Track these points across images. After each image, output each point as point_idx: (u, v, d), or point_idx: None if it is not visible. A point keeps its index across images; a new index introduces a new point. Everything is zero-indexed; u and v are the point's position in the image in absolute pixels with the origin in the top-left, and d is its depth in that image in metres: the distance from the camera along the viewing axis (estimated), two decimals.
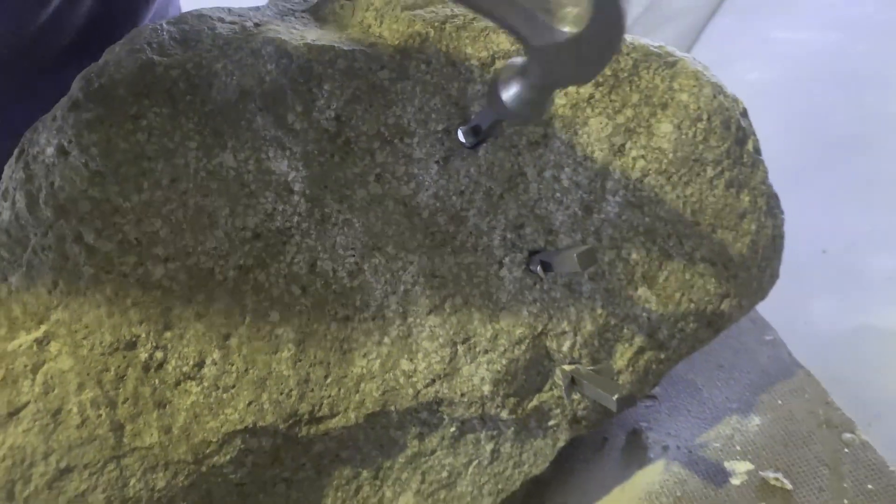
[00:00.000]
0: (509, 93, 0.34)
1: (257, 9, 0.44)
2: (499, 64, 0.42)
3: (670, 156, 0.45)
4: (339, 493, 0.44)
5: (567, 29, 0.29)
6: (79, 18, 0.51)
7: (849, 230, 1.40)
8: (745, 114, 0.48)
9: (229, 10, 0.43)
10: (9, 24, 0.46)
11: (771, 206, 0.50)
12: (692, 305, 0.47)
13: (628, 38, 0.45)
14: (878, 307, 1.28)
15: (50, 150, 0.36)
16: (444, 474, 0.46)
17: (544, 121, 0.43)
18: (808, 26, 2.14)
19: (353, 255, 0.41)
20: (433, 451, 0.46)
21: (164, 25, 0.40)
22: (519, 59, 0.34)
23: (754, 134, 0.49)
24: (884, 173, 1.59)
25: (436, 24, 0.42)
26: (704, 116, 0.46)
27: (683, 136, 0.45)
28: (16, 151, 0.37)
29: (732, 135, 0.47)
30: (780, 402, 0.56)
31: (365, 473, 0.45)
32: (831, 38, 2.05)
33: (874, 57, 1.99)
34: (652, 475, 0.53)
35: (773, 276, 0.52)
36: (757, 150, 0.49)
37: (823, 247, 1.24)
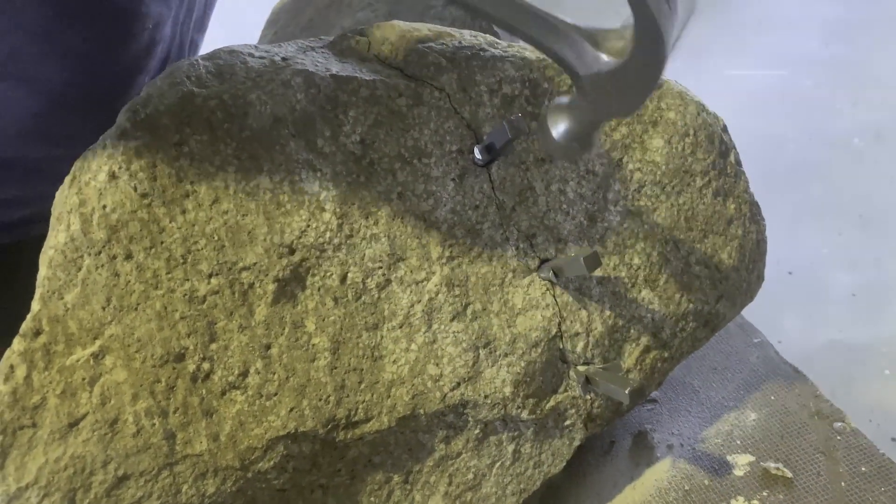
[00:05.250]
0: (559, 130, 0.35)
1: (280, 45, 0.47)
2: (506, 88, 0.46)
3: (663, 168, 0.49)
4: (373, 499, 0.46)
5: (612, 59, 0.31)
6: (155, 64, 0.54)
7: (811, 251, 1.47)
8: (725, 129, 0.53)
9: (256, 46, 0.46)
10: (93, 65, 0.49)
11: (754, 213, 0.54)
12: (691, 306, 0.51)
13: None
14: (843, 323, 1.34)
15: (101, 176, 0.39)
16: (470, 476, 0.48)
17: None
18: (758, 65, 2.26)
19: (381, 267, 0.44)
20: (459, 454, 0.48)
21: (200, 60, 0.43)
22: (564, 98, 0.35)
23: (735, 147, 0.53)
24: (837, 196, 1.68)
25: (447, 54, 0.46)
26: (691, 132, 0.50)
27: (674, 150, 0.50)
28: (67, 179, 0.40)
29: (716, 148, 0.51)
30: (772, 397, 0.60)
31: (396, 478, 0.47)
32: (780, 75, 2.17)
33: (820, 89, 2.11)
34: (660, 472, 0.56)
35: (760, 279, 0.56)
36: (738, 162, 0.53)
37: (789, 269, 1.30)
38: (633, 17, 0.28)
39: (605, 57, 0.32)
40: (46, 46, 0.46)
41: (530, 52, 0.48)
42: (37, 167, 0.52)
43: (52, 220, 0.40)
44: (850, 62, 2.21)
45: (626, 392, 0.44)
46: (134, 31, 0.51)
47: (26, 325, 0.37)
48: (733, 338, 0.66)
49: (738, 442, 0.56)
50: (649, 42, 0.29)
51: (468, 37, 0.48)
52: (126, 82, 0.53)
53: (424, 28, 0.47)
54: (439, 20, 0.98)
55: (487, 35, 0.49)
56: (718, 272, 0.52)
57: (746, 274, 0.54)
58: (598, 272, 0.47)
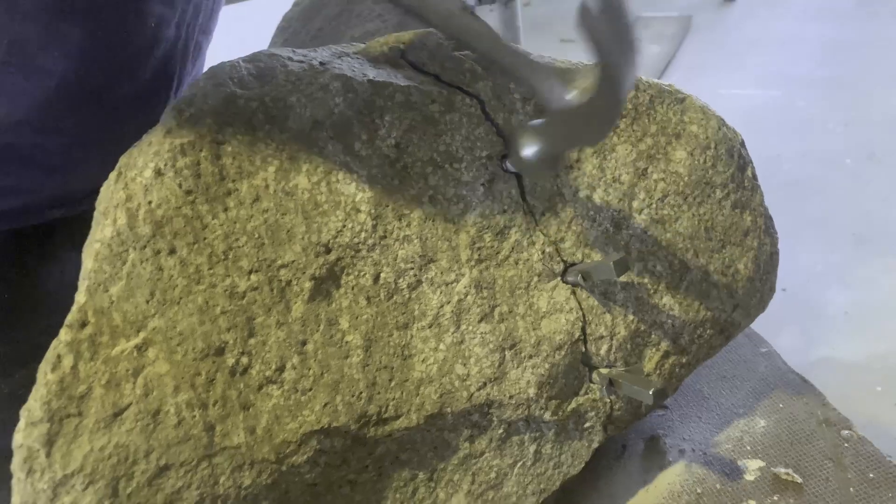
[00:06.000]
0: (529, 150, 0.40)
1: (315, 50, 0.49)
2: (536, 101, 0.48)
3: (686, 179, 0.51)
4: (398, 495, 0.47)
5: (578, 95, 0.35)
6: (155, 64, 0.55)
7: (805, 269, 1.50)
8: (743, 144, 0.55)
9: (294, 50, 0.47)
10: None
11: (768, 226, 0.56)
12: (709, 314, 0.52)
13: (643, 77, 0.52)
14: (836, 340, 1.36)
15: (148, 173, 0.40)
16: (493, 475, 0.49)
17: (568, 159, 0.49)
18: (753, 84, 2.30)
19: (413, 268, 0.45)
20: (482, 453, 0.49)
21: (242, 63, 0.44)
22: (537, 122, 0.40)
23: (752, 162, 0.55)
24: (831, 214, 1.71)
25: (483, 63, 0.47)
26: (712, 145, 0.52)
27: (696, 162, 0.51)
28: (113, 174, 0.40)
29: (735, 162, 0.53)
30: (781, 405, 0.61)
31: (421, 475, 0.48)
32: (774, 94, 2.21)
33: (813, 109, 2.15)
34: (672, 476, 0.57)
35: (772, 290, 0.58)
36: (755, 176, 0.55)
37: (783, 286, 1.32)
38: (595, 64, 0.32)
39: (572, 93, 0.36)
40: (46, 37, 0.47)
41: (561, 64, 0.49)
42: (30, 156, 0.53)
43: (98, 214, 0.40)
44: (842, 83, 2.26)
45: (651, 393, 0.45)
46: (135, 28, 0.52)
47: (73, 316, 0.38)
48: (741, 347, 0.68)
49: (749, 448, 0.58)
50: (609, 85, 0.32)
51: None
52: (122, 79, 0.53)
53: None
54: None
55: (519, 46, 0.50)
56: (735, 282, 0.53)
57: (760, 285, 0.55)
58: (623, 277, 0.48)
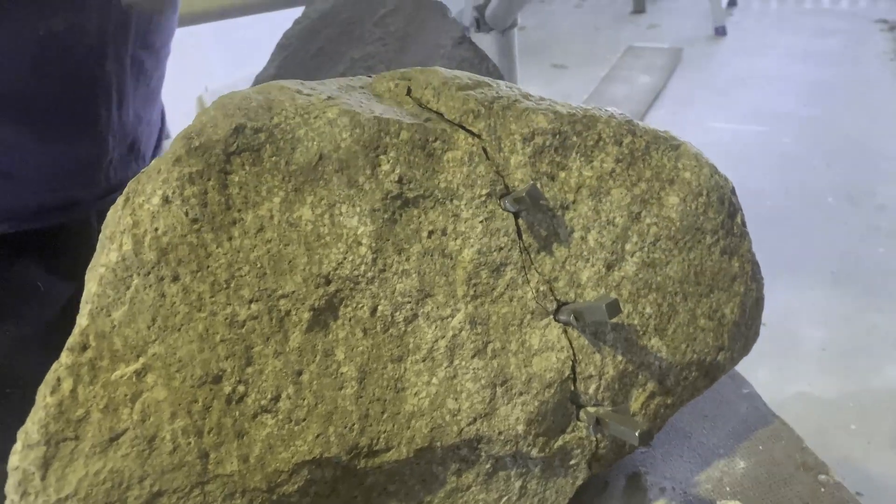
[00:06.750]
0: None
1: (323, 83, 0.49)
2: (538, 139, 0.49)
3: (678, 224, 0.52)
4: None
5: None
6: (59, 70, 0.55)
7: (783, 305, 1.52)
8: (733, 191, 0.56)
9: (302, 83, 0.48)
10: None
11: (755, 272, 0.57)
12: (695, 356, 0.53)
13: (640, 123, 0.53)
14: (812, 376, 1.39)
15: (155, 199, 0.40)
16: None
17: (574, 188, 0.50)
18: (739, 119, 2.34)
19: (410, 302, 0.46)
20: (469, 487, 0.50)
21: (252, 94, 0.45)
22: None
23: (741, 209, 0.57)
24: (811, 252, 1.74)
25: (486, 103, 0.49)
26: (704, 192, 0.53)
27: (688, 208, 0.52)
28: (120, 199, 0.41)
29: (726, 209, 0.54)
30: (760, 447, 0.62)
31: None
32: (759, 130, 2.25)
33: (797, 147, 2.19)
34: None
35: (756, 334, 0.59)
36: (744, 223, 0.56)
37: (762, 320, 1.35)
38: None
39: None
40: None
41: (561, 107, 0.51)
42: None
43: (104, 238, 0.41)
44: (825, 123, 2.31)
45: (637, 434, 0.46)
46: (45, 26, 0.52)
47: (74, 339, 0.38)
48: (723, 387, 0.69)
49: (728, 489, 0.59)
50: None
51: (504, 87, 0.51)
52: (43, 78, 0.54)
53: (465, 76, 0.50)
54: (448, 59, 1.01)
55: (521, 87, 0.52)
56: (721, 326, 0.55)
57: (745, 329, 0.57)
58: (614, 318, 0.49)
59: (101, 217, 0.43)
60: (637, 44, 3.26)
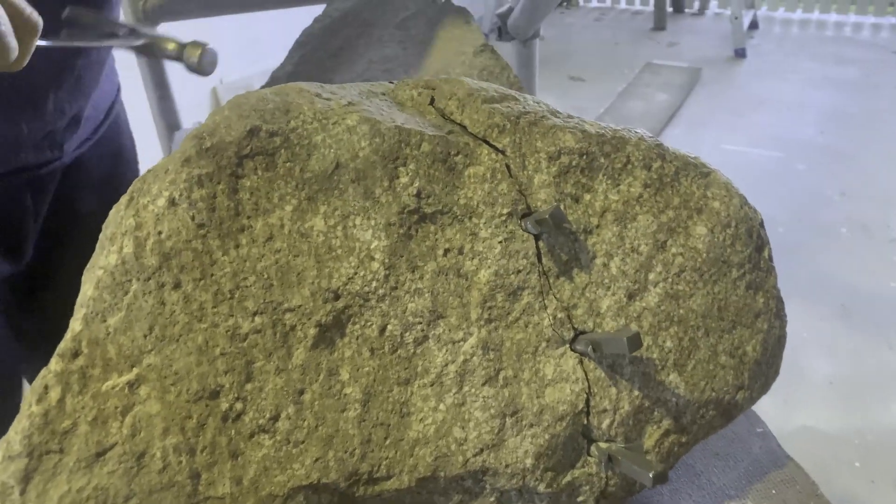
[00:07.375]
0: None
1: (343, 88, 0.47)
2: (564, 158, 0.47)
3: (704, 255, 0.50)
4: None
5: None
6: None
7: (792, 335, 1.49)
8: (762, 224, 0.54)
9: (322, 86, 0.46)
10: None
11: (779, 309, 0.55)
12: (713, 394, 0.51)
13: (671, 147, 0.51)
14: (818, 410, 1.36)
15: (161, 201, 0.38)
16: None
17: (599, 212, 0.48)
18: (755, 143, 2.32)
19: (421, 323, 0.44)
20: None
21: (269, 95, 0.43)
22: None
23: (769, 243, 0.54)
24: (822, 282, 1.71)
25: (512, 117, 0.46)
26: (733, 223, 0.51)
27: (715, 239, 0.50)
28: (124, 198, 0.39)
29: (753, 242, 0.52)
30: (773, 491, 0.60)
31: None
32: (775, 156, 2.22)
33: (812, 175, 2.16)
34: None
35: (776, 373, 0.57)
36: (770, 258, 0.54)
37: None
38: None
39: None
40: None
41: (590, 126, 0.48)
42: None
43: (104, 239, 0.39)
44: (841, 152, 2.28)
45: (651, 475, 0.43)
46: None
47: (65, 345, 0.36)
48: (737, 424, 0.66)
49: None
50: None
51: (531, 102, 0.48)
52: None
53: (491, 89, 0.48)
54: (469, 67, 0.99)
55: (548, 103, 0.49)
56: (742, 364, 0.52)
57: (766, 368, 0.54)
58: (635, 352, 0.47)
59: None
60: (656, 61, 3.23)
